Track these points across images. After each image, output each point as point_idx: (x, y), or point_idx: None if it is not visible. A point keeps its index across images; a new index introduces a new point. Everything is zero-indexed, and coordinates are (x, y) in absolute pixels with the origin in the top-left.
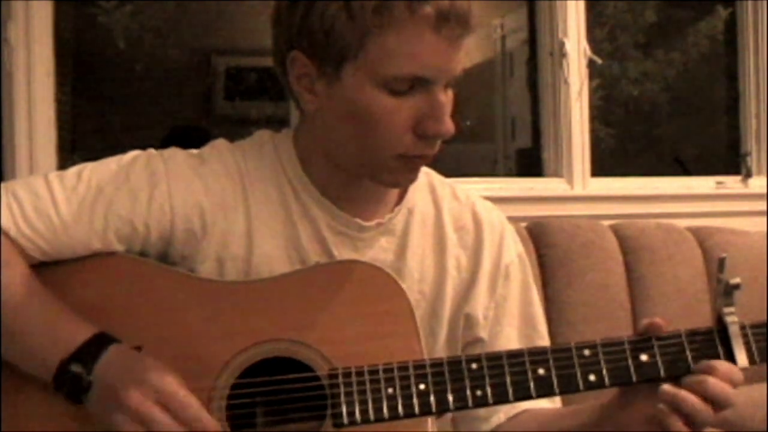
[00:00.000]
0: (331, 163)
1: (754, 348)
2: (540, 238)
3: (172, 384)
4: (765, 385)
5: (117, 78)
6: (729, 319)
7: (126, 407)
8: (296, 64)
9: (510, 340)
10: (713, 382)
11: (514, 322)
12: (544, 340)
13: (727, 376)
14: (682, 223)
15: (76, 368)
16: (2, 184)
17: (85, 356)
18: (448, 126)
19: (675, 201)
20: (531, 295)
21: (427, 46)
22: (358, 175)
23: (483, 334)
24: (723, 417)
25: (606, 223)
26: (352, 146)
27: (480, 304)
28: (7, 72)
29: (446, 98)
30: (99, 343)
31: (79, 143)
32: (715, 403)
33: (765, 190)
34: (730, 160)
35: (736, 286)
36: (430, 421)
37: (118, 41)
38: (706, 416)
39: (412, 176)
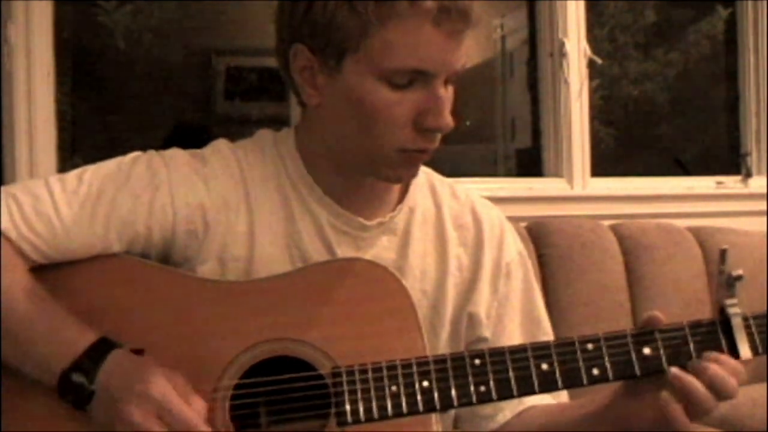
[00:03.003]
0: (332, 161)
1: (756, 339)
2: (540, 238)
3: (171, 396)
4: (765, 385)
5: (117, 78)
6: (731, 310)
7: (127, 422)
8: (298, 58)
9: (513, 337)
10: (717, 369)
11: (516, 319)
12: (548, 336)
13: (731, 367)
14: (682, 223)
15: (77, 378)
16: (2, 188)
17: (87, 365)
18: (448, 120)
19: (675, 201)
20: (533, 292)
21: (427, 39)
22: (359, 170)
23: (487, 333)
24: (723, 416)
25: (606, 223)
26: (353, 141)
27: (483, 303)
28: (7, 72)
29: (446, 93)
30: (100, 349)
31: (79, 143)
32: (719, 392)
33: (765, 190)
34: (730, 160)
35: (738, 278)
36: (434, 418)
37: (118, 41)
38: (708, 403)
39: (412, 171)
